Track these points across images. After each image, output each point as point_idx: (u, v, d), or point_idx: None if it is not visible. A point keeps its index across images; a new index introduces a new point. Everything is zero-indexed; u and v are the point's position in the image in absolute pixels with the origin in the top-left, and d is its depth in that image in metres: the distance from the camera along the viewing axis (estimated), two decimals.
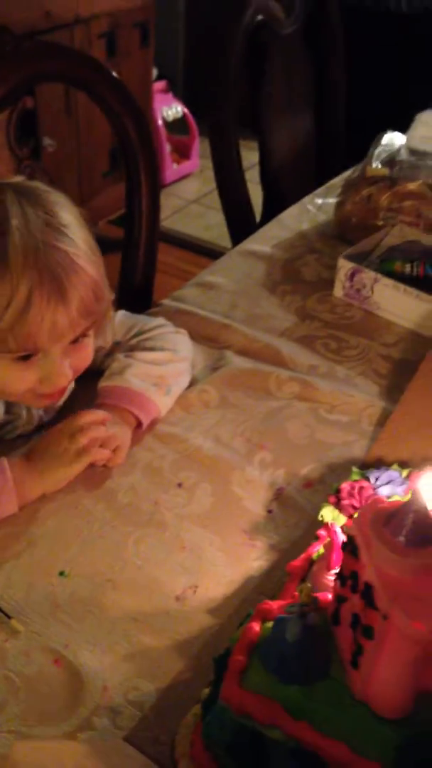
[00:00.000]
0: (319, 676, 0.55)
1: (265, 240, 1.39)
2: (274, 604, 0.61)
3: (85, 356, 0.88)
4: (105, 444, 0.88)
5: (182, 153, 3.37)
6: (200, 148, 3.30)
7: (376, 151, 1.38)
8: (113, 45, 2.56)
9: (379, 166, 1.35)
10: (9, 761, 0.57)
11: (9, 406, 0.92)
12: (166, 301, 1.20)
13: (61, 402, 0.95)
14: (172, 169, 3.30)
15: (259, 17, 1.46)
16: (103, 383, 0.96)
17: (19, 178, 0.87)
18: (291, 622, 0.55)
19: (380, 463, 0.90)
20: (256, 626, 0.58)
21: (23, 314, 0.77)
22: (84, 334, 0.85)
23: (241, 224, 1.51)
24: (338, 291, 1.24)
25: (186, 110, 3.30)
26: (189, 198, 3.22)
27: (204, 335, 1.13)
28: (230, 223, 1.54)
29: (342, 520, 0.79)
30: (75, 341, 0.85)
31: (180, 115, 3.29)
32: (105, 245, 0.89)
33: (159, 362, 0.98)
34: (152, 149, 1.20)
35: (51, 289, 0.77)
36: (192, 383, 1.04)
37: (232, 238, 1.55)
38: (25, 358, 0.82)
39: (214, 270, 1.30)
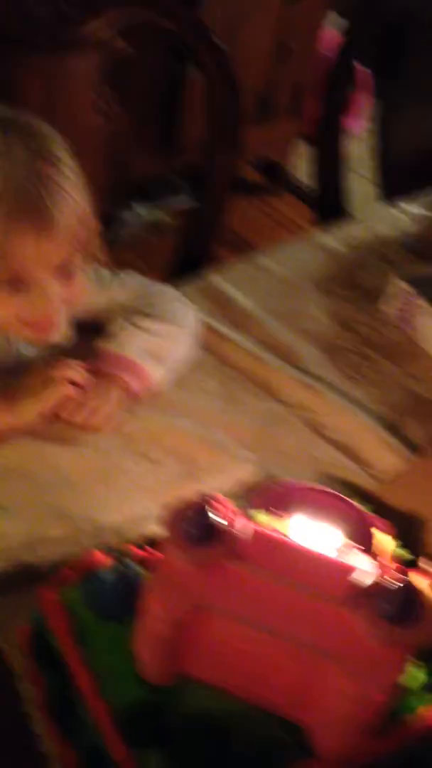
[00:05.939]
0: (115, 617, 0.63)
1: (343, 237, 1.35)
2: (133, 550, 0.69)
3: (76, 290, 0.90)
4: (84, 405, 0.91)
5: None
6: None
7: None
8: None
9: None
10: None
11: None
12: (210, 275, 1.21)
13: (51, 340, 0.94)
14: None
15: None
16: (99, 344, 0.97)
17: (13, 113, 0.87)
18: (111, 565, 0.64)
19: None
20: (102, 557, 0.66)
21: (5, 237, 0.81)
22: (72, 265, 0.87)
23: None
24: (385, 307, 1.21)
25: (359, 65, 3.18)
26: None
27: (229, 319, 1.13)
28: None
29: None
30: (64, 272, 0.87)
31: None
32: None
33: (158, 333, 0.98)
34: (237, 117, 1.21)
35: (33, 212, 0.81)
36: (198, 363, 1.04)
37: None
38: (16, 285, 0.85)
39: (273, 254, 1.29)
